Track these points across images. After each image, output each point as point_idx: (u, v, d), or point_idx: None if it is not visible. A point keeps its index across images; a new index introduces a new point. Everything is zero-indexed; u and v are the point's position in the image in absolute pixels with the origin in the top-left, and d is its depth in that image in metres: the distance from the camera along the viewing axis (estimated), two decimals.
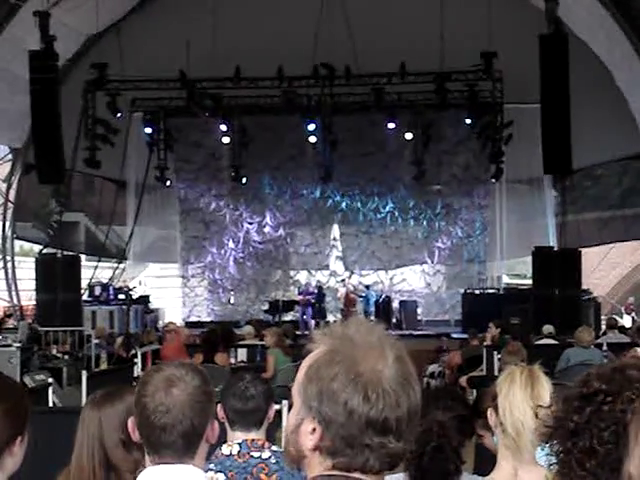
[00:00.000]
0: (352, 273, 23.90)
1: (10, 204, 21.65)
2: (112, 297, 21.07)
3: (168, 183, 23.27)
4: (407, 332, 19.27)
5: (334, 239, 24.29)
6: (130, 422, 2.22)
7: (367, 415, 1.40)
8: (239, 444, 3.25)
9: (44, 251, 21.06)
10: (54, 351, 15.09)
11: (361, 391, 1.40)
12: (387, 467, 1.46)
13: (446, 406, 2.81)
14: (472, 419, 2.89)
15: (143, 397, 2.15)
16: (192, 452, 2.14)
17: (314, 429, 1.44)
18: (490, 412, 2.76)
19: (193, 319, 23.33)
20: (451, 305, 23.07)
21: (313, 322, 21.39)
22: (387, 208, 23.74)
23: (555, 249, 19.00)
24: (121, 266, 23.06)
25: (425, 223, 23.67)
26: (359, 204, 23.84)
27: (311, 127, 20.83)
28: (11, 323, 20.07)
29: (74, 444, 2.77)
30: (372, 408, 1.40)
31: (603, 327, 16.39)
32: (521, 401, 2.66)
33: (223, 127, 21.91)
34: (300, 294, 22.15)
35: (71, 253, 20.97)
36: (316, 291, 22.35)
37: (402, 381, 1.44)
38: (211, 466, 3.12)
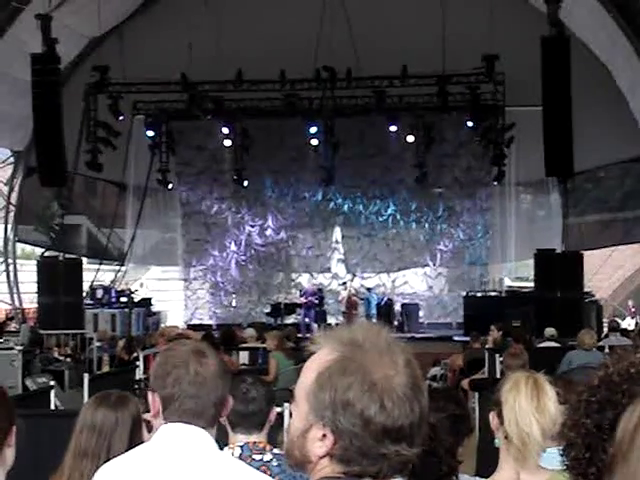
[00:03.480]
0: (354, 276, 23.83)
1: (12, 207, 21.65)
2: (114, 300, 21.03)
3: (170, 186, 23.28)
4: (409, 335, 19.22)
5: (336, 242, 24.27)
6: (150, 395, 2.26)
7: (384, 424, 1.39)
8: (241, 447, 3.24)
9: (46, 254, 21.07)
10: (56, 354, 15.06)
11: (377, 401, 1.39)
12: (398, 472, 1.45)
13: (438, 407, 2.78)
14: (467, 418, 2.87)
15: (175, 368, 2.21)
16: (214, 421, 2.25)
17: (324, 435, 1.41)
18: (492, 416, 2.75)
19: (195, 322, 23.28)
20: (453, 308, 23.01)
21: (315, 325, 21.36)
22: (389, 211, 23.72)
23: (557, 252, 18.97)
24: (123, 269, 23.06)
25: (427, 226, 23.63)
26: (361, 207, 23.81)
27: (313, 130, 20.82)
28: (13, 326, 20.05)
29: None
30: (389, 417, 1.39)
31: (605, 330, 16.37)
32: (527, 413, 2.66)
33: (225, 130, 21.90)
34: (302, 295, 22.11)
35: (73, 256, 20.94)
36: (317, 292, 22.29)
37: (413, 386, 1.42)
38: None
